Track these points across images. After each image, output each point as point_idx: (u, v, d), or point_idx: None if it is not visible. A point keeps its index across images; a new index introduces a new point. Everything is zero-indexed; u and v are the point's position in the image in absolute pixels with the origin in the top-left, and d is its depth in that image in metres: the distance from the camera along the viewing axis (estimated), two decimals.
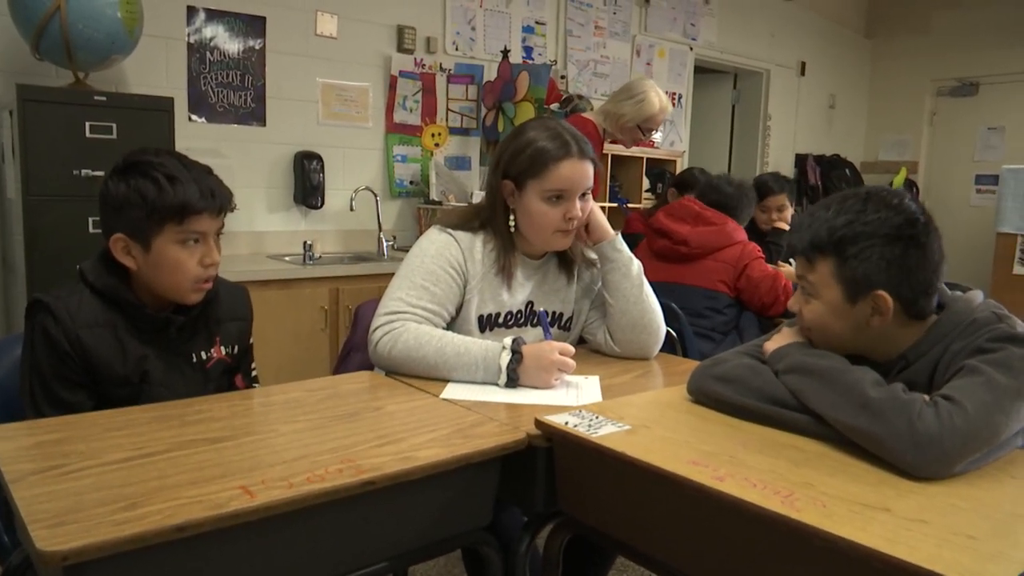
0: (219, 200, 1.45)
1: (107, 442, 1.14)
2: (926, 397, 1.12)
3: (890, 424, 1.08)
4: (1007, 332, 1.19)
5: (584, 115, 3.47)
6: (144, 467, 1.05)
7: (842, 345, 1.27)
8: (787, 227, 3.44)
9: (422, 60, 4.16)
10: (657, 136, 4.84)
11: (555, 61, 4.69)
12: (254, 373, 1.68)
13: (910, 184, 6.82)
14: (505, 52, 4.43)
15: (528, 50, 4.63)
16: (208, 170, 1.47)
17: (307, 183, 3.74)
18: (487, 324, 1.77)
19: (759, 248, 2.75)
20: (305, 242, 3.61)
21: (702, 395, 1.36)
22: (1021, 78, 6.38)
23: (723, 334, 2.63)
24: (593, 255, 1.90)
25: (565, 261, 1.87)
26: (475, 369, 1.57)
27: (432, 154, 4.26)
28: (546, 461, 1.27)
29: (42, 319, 1.36)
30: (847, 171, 6.76)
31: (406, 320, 1.63)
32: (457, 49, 4.30)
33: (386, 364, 1.62)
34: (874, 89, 7.21)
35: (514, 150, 1.73)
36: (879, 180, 6.93)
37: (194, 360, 1.51)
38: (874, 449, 1.11)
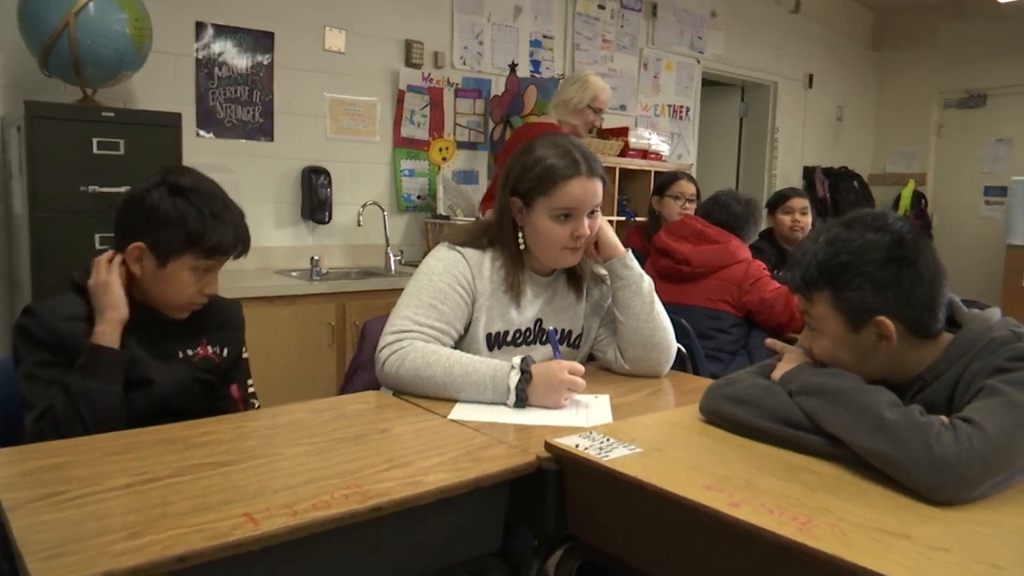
0: (244, 248, 1.52)
1: (109, 467, 1.12)
2: (944, 419, 1.10)
3: (907, 447, 1.06)
4: None
5: (543, 121, 3.57)
6: (146, 493, 1.03)
7: (858, 374, 1.24)
8: (802, 234, 3.43)
9: (430, 75, 4.16)
10: (664, 148, 4.83)
11: (563, 75, 4.68)
12: (251, 389, 1.67)
13: (918, 196, 6.78)
14: (513, 66, 4.42)
15: (536, 64, 4.63)
16: (242, 214, 1.53)
17: (314, 198, 3.74)
18: (495, 342, 1.75)
19: (764, 266, 2.72)
20: (312, 257, 3.60)
21: (715, 416, 1.34)
22: None
23: (731, 354, 2.59)
24: (602, 271, 1.88)
25: (574, 278, 1.85)
26: (484, 389, 1.55)
27: (440, 168, 4.25)
28: (556, 484, 1.25)
29: (24, 320, 1.39)
30: (855, 183, 6.73)
31: (414, 339, 1.61)
32: (465, 63, 4.31)
33: (393, 384, 1.61)
34: (881, 101, 7.18)
35: (523, 167, 1.71)
36: (887, 192, 6.91)
37: (180, 356, 1.51)
38: (890, 472, 1.08)
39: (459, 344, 1.71)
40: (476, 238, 1.77)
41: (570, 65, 4.80)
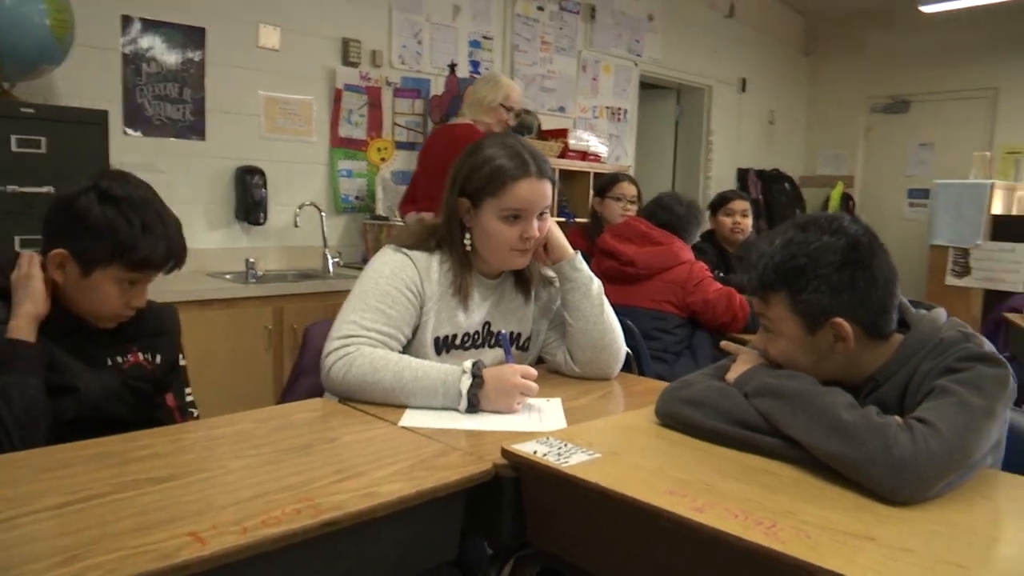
0: (176, 264, 1.44)
1: (39, 485, 1.05)
2: (899, 420, 1.11)
3: (864, 448, 1.06)
4: (976, 352, 1.19)
5: (460, 122, 3.62)
6: (83, 513, 0.96)
7: (814, 375, 1.25)
8: (744, 236, 3.50)
9: (367, 73, 4.08)
10: (603, 150, 4.86)
11: None
12: (189, 398, 1.59)
13: (846, 198, 6.99)
14: (452, 66, 4.39)
15: (475, 64, 4.59)
16: (179, 226, 1.45)
17: (249, 199, 3.62)
18: (443, 346, 1.71)
19: (707, 267, 2.75)
20: (247, 259, 3.49)
21: (670, 419, 1.33)
22: (949, 97, 6.62)
23: (676, 355, 2.61)
24: (550, 273, 1.86)
25: (522, 280, 1.82)
26: (434, 394, 1.51)
27: (378, 169, 4.18)
28: (513, 491, 1.22)
29: None
30: (787, 185, 6.89)
31: (360, 344, 1.56)
32: (403, 63, 4.24)
33: (340, 390, 1.55)
34: (812, 105, 7.38)
35: (471, 167, 1.68)
36: (817, 194, 7.10)
37: (109, 363, 1.44)
38: (848, 473, 1.09)
39: (406, 349, 1.66)
40: (423, 240, 1.73)
41: (509, 66, 4.79)
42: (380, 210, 4.06)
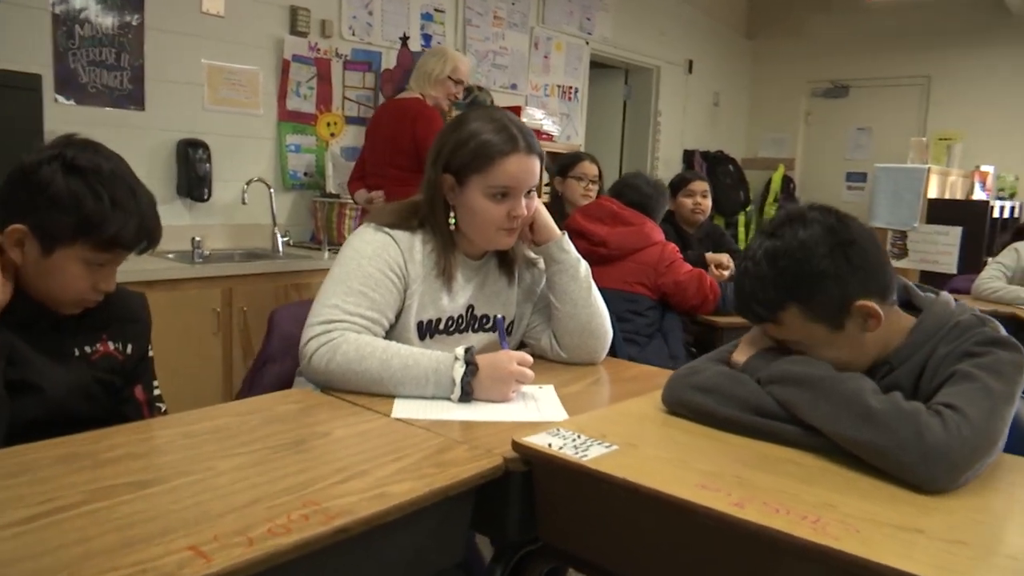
0: (150, 244, 1.31)
1: (2, 494, 0.92)
2: (921, 406, 1.08)
3: (896, 436, 1.02)
4: (993, 336, 1.17)
5: (409, 96, 3.54)
6: (58, 527, 0.85)
7: (862, 363, 1.21)
8: (704, 217, 3.49)
9: (317, 44, 3.91)
10: (555, 129, 4.79)
11: (457, 50, 4.54)
12: (157, 391, 1.47)
13: (787, 180, 7.10)
14: (404, 39, 4.24)
15: (427, 38, 4.45)
16: (152, 203, 1.31)
17: (192, 174, 3.43)
18: (427, 331, 1.62)
19: (677, 249, 2.71)
20: (193, 238, 3.31)
21: (681, 407, 1.27)
22: (886, 83, 6.77)
23: (648, 337, 2.57)
24: (533, 255, 1.79)
25: (505, 261, 1.74)
26: (425, 383, 1.42)
27: (328, 144, 4.02)
28: (521, 486, 1.14)
29: None
30: (731, 167, 6.96)
31: (344, 329, 1.46)
32: (354, 34, 4.08)
33: (322, 379, 1.45)
34: (754, 88, 7.46)
35: (456, 142, 1.58)
36: (760, 176, 7.19)
37: (76, 354, 1.30)
38: (878, 461, 1.05)
39: (388, 334, 1.57)
40: (405, 219, 1.63)
41: (462, 40, 4.66)
42: (331, 187, 3.91)
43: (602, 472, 1.02)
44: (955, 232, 5.35)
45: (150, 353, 1.43)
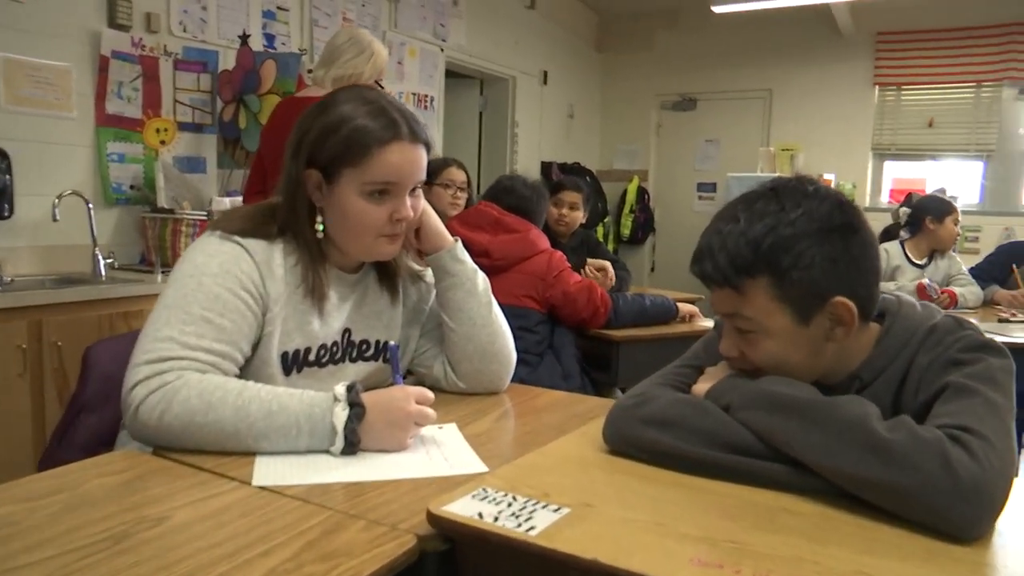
0: None
1: None
2: (940, 433, 0.89)
3: (921, 473, 0.82)
4: (979, 340, 1.01)
5: (320, 92, 3.02)
6: None
7: (804, 378, 1.01)
8: (568, 230, 3.29)
9: (141, 40, 3.43)
10: None
11: (304, 51, 4.16)
12: None
13: (642, 192, 7.17)
14: (244, 37, 3.82)
15: (270, 38, 4.05)
16: None
17: None
18: (294, 364, 1.30)
19: (565, 257, 2.50)
20: None
21: (629, 446, 1.03)
22: (731, 96, 6.98)
23: (538, 355, 2.33)
24: (419, 267, 1.50)
25: (387, 275, 1.45)
26: (296, 433, 1.10)
27: (158, 153, 3.53)
28: (439, 570, 0.86)
29: None
30: (587, 179, 6.93)
31: (183, 369, 1.11)
32: (185, 31, 3.62)
33: (153, 436, 1.09)
34: (606, 101, 7.50)
35: (322, 130, 1.27)
36: (615, 188, 7.21)
37: None
38: (895, 504, 0.84)
39: (244, 370, 1.23)
40: (260, 225, 1.30)
41: (309, 41, 4.29)
42: (163, 201, 3.42)
43: (562, 552, 0.75)
44: None
45: None
